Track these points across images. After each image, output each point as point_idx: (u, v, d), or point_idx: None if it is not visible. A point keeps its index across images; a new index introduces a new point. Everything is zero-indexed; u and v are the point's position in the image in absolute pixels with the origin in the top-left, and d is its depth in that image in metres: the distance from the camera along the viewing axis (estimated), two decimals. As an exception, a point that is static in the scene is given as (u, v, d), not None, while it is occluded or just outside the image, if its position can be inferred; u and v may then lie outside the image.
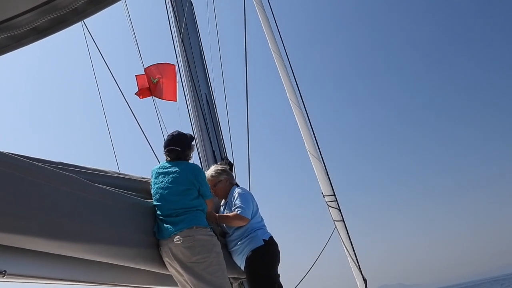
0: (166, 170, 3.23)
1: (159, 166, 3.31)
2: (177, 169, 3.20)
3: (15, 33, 1.17)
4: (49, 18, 1.14)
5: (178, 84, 4.79)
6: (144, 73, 4.86)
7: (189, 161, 3.42)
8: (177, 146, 3.32)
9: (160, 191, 3.14)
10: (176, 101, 4.88)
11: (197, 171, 3.25)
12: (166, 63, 4.94)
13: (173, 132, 3.45)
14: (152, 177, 3.29)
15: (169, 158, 3.33)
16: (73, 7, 1.12)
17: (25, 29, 1.17)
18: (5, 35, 1.16)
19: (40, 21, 1.15)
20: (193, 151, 3.47)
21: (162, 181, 3.18)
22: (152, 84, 4.81)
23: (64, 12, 1.13)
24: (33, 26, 1.16)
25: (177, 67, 4.83)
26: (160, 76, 4.82)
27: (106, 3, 1.11)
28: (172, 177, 3.17)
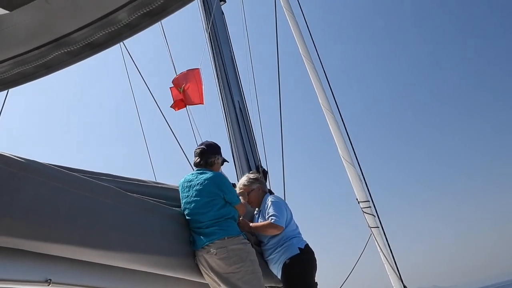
0: (190, 183, 3.24)
1: (184, 179, 3.33)
2: (199, 181, 3.20)
3: (72, 48, 1.19)
4: (104, 33, 1.16)
5: (211, 91, 4.83)
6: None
7: (216, 170, 3.40)
8: (204, 145, 3.41)
9: (187, 206, 3.17)
10: (203, 103, 4.89)
11: (219, 180, 3.22)
12: (189, 69, 4.98)
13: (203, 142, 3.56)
14: (179, 191, 3.32)
15: (197, 159, 3.36)
16: (127, 22, 1.14)
17: (81, 44, 1.19)
18: (63, 51, 1.19)
19: (96, 36, 1.17)
20: (219, 160, 3.43)
21: (187, 196, 3.20)
22: (180, 94, 4.85)
23: (119, 26, 1.15)
24: (89, 41, 1.19)
25: (201, 72, 4.84)
26: (185, 83, 4.86)
27: (160, 16, 1.13)
28: (196, 190, 3.17)
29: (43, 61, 1.21)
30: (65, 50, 1.20)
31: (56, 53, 1.20)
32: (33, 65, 1.23)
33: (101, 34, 1.19)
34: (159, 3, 1.09)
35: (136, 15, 1.14)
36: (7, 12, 1.11)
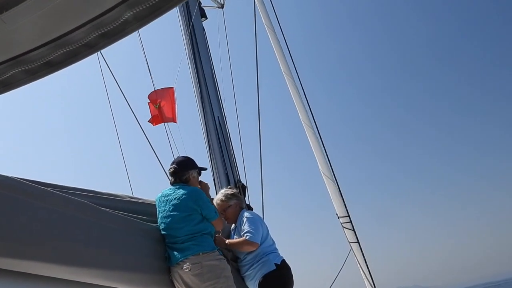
0: (167, 198, 3.24)
1: (161, 194, 3.33)
2: (176, 195, 3.20)
3: (29, 67, 1.20)
4: (61, 52, 1.17)
5: (191, 106, 4.86)
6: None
7: (194, 184, 3.39)
8: (175, 164, 3.39)
9: (164, 220, 3.16)
10: (176, 122, 4.95)
11: (196, 195, 3.21)
12: (165, 87, 5.05)
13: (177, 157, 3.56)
14: (156, 205, 3.30)
15: (172, 179, 3.37)
16: (84, 42, 1.15)
17: (38, 63, 1.20)
18: (20, 69, 1.19)
19: (53, 56, 1.18)
20: (193, 174, 3.41)
21: (164, 210, 3.20)
22: (156, 110, 4.89)
23: (76, 46, 1.16)
24: (46, 60, 1.19)
25: (176, 90, 4.91)
26: (160, 100, 4.91)
27: (118, 37, 1.14)
28: (173, 204, 3.17)
29: (0, 78, 1.21)
30: (23, 69, 1.20)
31: (14, 71, 1.20)
32: None
33: (58, 53, 1.19)
34: (116, 24, 1.10)
35: (94, 35, 1.15)
36: None
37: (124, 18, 1.08)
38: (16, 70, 1.20)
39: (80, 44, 1.17)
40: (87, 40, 1.15)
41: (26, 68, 1.19)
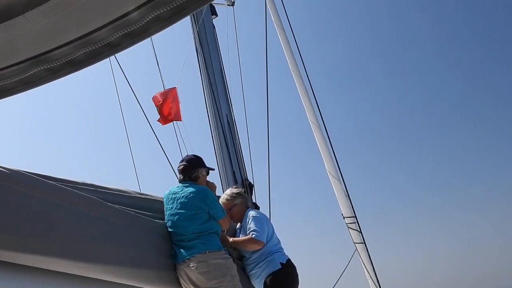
0: (174, 195, 3.25)
1: (169, 191, 3.34)
2: (184, 194, 3.21)
3: (51, 65, 1.20)
4: (84, 51, 1.17)
5: (199, 104, 4.88)
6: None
7: (202, 183, 3.40)
8: (185, 162, 3.40)
9: (171, 218, 3.16)
10: (180, 120, 4.99)
11: (204, 194, 3.22)
12: (167, 89, 5.11)
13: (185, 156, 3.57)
14: (164, 202, 3.31)
15: (181, 177, 3.38)
16: (107, 41, 1.16)
17: (60, 62, 1.20)
18: (42, 68, 1.20)
19: (76, 54, 1.18)
20: (203, 172, 3.43)
21: (171, 208, 3.20)
22: (160, 111, 4.95)
23: (99, 45, 1.16)
24: (69, 59, 1.20)
25: (184, 88, 4.94)
26: (161, 101, 4.97)
27: (141, 37, 1.14)
28: (180, 202, 3.18)
29: (22, 76, 1.22)
30: (45, 67, 1.21)
31: (36, 70, 1.21)
32: (11, 81, 1.23)
33: (81, 52, 1.20)
34: (139, 24, 1.10)
35: (117, 35, 1.15)
36: None
37: (148, 19, 1.08)
38: (39, 69, 1.21)
39: (103, 44, 1.18)
40: (110, 39, 1.16)
41: (48, 66, 1.20)
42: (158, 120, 4.91)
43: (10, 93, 1.28)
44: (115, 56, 4.95)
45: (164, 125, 4.91)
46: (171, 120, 4.93)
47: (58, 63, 1.21)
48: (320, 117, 5.17)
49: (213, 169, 3.62)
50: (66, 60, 1.20)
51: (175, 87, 5.09)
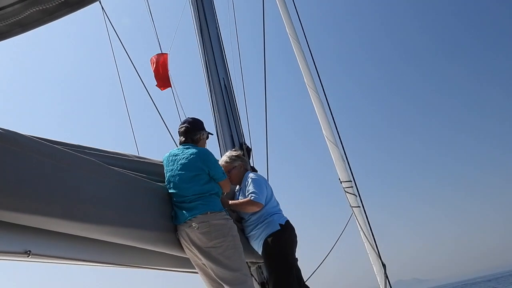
0: (175, 157, 3.24)
1: (169, 153, 3.33)
2: (185, 155, 3.20)
3: (46, 6, 1.15)
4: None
5: (196, 68, 4.85)
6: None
7: (202, 145, 3.41)
8: (187, 123, 3.40)
9: (172, 179, 3.17)
10: (170, 87, 4.99)
11: (204, 156, 3.22)
12: (159, 53, 5.08)
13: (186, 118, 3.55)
14: (164, 165, 3.30)
15: (182, 138, 3.37)
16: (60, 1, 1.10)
17: (55, 3, 1.14)
18: (37, 9, 1.15)
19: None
20: (204, 135, 3.44)
21: (172, 169, 3.20)
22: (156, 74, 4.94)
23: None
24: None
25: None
26: (154, 66, 4.95)
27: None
28: (181, 163, 3.17)
29: (17, 18, 1.17)
30: (40, 8, 1.16)
31: (31, 11, 1.16)
32: (6, 23, 1.19)
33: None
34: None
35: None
36: None
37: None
38: (33, 10, 1.16)
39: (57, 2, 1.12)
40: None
41: (43, 7, 1.15)
42: (156, 85, 4.88)
43: (5, 36, 1.23)
44: (109, 20, 4.85)
45: (163, 91, 4.88)
46: (164, 87, 4.91)
47: (53, 4, 1.16)
48: (319, 80, 5.11)
49: (212, 134, 3.62)
50: (61, 0, 1.16)
51: (166, 53, 5.04)
